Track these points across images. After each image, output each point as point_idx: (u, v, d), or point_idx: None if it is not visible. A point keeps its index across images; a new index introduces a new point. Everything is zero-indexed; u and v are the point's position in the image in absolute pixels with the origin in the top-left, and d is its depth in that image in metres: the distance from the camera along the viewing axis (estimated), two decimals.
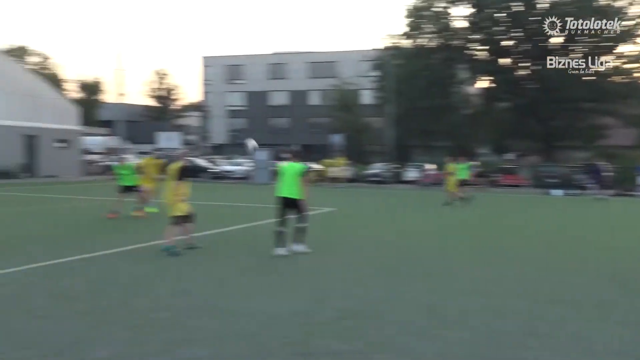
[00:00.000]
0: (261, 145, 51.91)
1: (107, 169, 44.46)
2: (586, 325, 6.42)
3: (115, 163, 17.85)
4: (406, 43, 49.23)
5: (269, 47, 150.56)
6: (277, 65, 74.48)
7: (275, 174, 11.91)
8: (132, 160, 18.80)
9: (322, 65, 71.89)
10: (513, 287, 8.17)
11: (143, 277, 8.55)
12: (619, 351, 5.60)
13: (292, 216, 10.70)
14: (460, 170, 24.10)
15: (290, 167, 10.69)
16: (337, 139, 44.60)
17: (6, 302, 6.94)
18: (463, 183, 24.21)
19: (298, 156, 11.04)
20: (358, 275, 8.88)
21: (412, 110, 46.39)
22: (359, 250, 11.27)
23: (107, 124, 66.45)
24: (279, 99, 74.68)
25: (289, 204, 10.55)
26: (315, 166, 36.88)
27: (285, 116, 74.05)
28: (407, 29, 48.57)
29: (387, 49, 50.37)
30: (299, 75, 72.83)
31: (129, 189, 16.90)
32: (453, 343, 5.72)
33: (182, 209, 10.68)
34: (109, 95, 78.40)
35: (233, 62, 76.27)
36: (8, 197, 24.05)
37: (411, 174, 40.25)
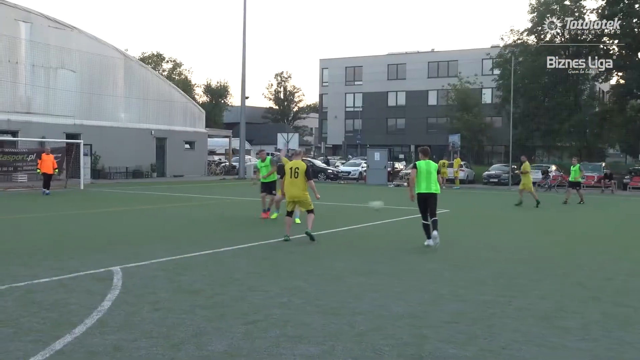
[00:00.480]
0: (377, 145, 51.91)
1: (231, 169, 46.42)
2: None
3: (258, 159, 17.40)
4: (530, 39, 47.43)
5: (387, 48, 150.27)
6: (395, 66, 74.25)
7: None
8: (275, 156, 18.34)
9: (441, 65, 70.85)
10: (626, 295, 7.65)
11: (259, 273, 8.82)
12: None
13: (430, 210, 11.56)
14: (572, 171, 24.30)
15: (426, 164, 11.60)
16: (454, 139, 43.74)
17: (132, 293, 7.40)
18: (575, 185, 24.35)
19: (429, 154, 11.92)
20: (472, 278, 8.68)
21: (534, 109, 44.60)
22: (474, 254, 10.99)
23: (230, 126, 69.28)
24: (397, 99, 74.39)
25: (428, 199, 11.52)
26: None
27: (403, 117, 73.65)
28: (530, 25, 46.83)
29: (509, 46, 48.79)
30: (417, 75, 72.18)
31: (269, 186, 16.32)
32: (572, 353, 5.44)
33: (310, 203, 12.27)
34: (233, 99, 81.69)
35: (351, 63, 76.94)
36: (141, 195, 25.70)
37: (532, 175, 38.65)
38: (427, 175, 11.50)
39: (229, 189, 29.83)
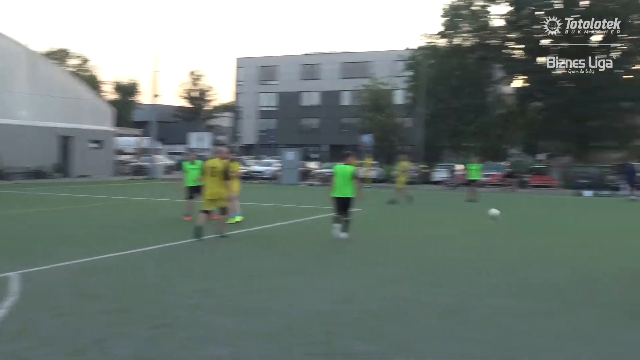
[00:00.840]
0: (291, 145, 52.04)
1: (139, 169, 45.13)
2: (617, 327, 6.26)
3: (184, 159, 16.39)
4: (441, 42, 48.93)
5: (302, 48, 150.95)
6: (309, 66, 74.68)
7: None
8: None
9: (354, 66, 71.87)
10: (534, 288, 8.01)
11: (169, 275, 8.60)
12: None
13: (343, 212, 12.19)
14: (472, 171, 25.00)
15: (342, 169, 12.25)
16: (366, 139, 44.47)
17: (30, 300, 7.02)
18: (473, 183, 24.97)
19: (349, 158, 12.51)
20: (384, 276, 8.83)
21: (443, 110, 46.06)
22: (385, 252, 11.19)
23: (140, 124, 67.47)
24: (311, 99, 74.87)
25: (341, 202, 12.15)
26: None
27: (316, 117, 74.19)
28: (442, 28, 48.30)
29: (421, 48, 50.11)
30: (331, 76, 72.89)
31: (196, 190, 15.07)
32: (477, 344, 5.63)
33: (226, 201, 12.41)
34: (143, 96, 79.55)
35: (266, 62, 76.75)
36: (41, 196, 24.52)
37: (440, 174, 39.97)
38: (342, 179, 12.15)
39: (139, 190, 29.00)
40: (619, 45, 43.39)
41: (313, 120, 74.82)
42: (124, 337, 5.63)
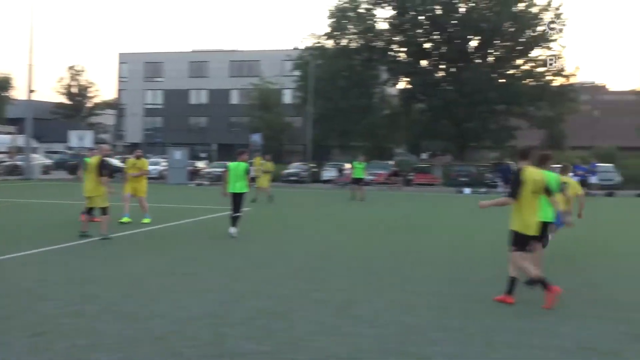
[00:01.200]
0: (179, 144, 50.96)
1: (14, 169, 42.40)
2: (490, 318, 6.65)
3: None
4: (328, 43, 49.67)
5: (189, 45, 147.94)
6: (197, 63, 73.36)
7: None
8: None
9: (243, 64, 71.44)
10: (421, 284, 8.35)
11: (50, 280, 8.16)
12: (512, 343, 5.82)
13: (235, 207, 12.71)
14: (357, 169, 25.47)
15: (236, 166, 12.83)
16: (256, 138, 44.40)
17: None
18: (359, 182, 25.39)
19: (243, 155, 13.07)
20: (272, 274, 8.86)
21: (331, 110, 46.84)
22: (273, 250, 11.23)
23: (15, 121, 63.41)
24: (199, 97, 73.62)
25: (235, 196, 12.73)
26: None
27: (205, 115, 73.07)
28: (329, 30, 49.03)
29: (309, 49, 50.62)
30: (220, 74, 72.01)
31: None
32: (364, 339, 5.78)
33: (106, 201, 12.00)
34: (18, 92, 74.76)
35: (151, 59, 74.55)
36: None
37: (328, 173, 40.67)
38: (235, 176, 12.75)
39: (14, 191, 27.25)
40: (494, 50, 46.10)
41: (201, 118, 73.61)
42: (1, 347, 5.29)
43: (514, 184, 7.32)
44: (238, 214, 12.77)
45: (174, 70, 73.16)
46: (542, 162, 8.23)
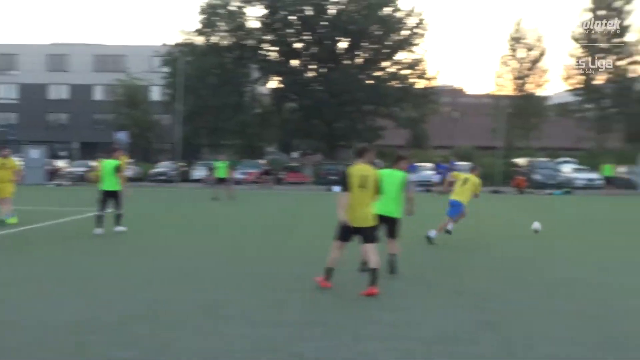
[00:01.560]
0: (36, 142, 47.92)
1: None
2: (346, 310, 6.80)
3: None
4: (199, 40, 48.81)
5: (48, 37, 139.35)
6: (57, 57, 69.20)
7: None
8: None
9: (108, 59, 68.30)
10: (292, 282, 8.41)
11: None
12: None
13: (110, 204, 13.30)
14: (219, 169, 25.18)
15: (108, 164, 13.32)
16: (121, 136, 42.69)
17: None
18: (222, 181, 25.13)
19: (116, 153, 13.76)
20: (138, 278, 8.57)
21: (202, 108, 46.09)
22: (137, 253, 10.84)
23: None
24: (59, 92, 69.52)
25: (109, 195, 13.27)
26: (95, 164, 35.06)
27: (65, 111, 69.13)
28: (200, 26, 48.20)
29: (178, 45, 49.48)
30: (82, 69, 68.39)
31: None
32: (235, 338, 5.70)
33: None
34: None
35: (4, 50, 69.31)
36: None
37: (198, 172, 39.97)
38: (108, 173, 13.28)
39: None
40: (362, 52, 47.53)
41: (61, 115, 69.54)
42: None
43: (342, 179, 7.87)
44: (119, 212, 13.38)
45: (30, 63, 68.54)
46: (396, 163, 9.41)
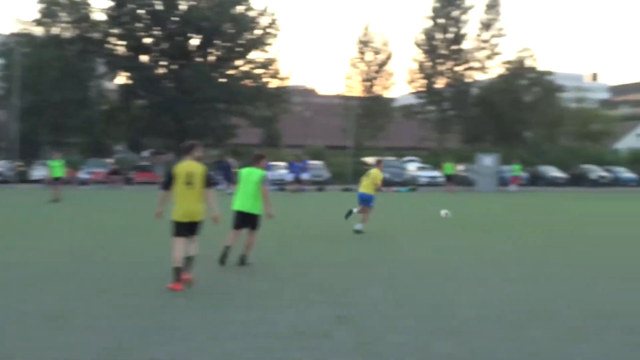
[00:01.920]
0: None
1: None
2: (206, 310, 6.72)
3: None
4: (38, 30, 45.60)
5: None
6: None
7: None
8: None
9: None
10: (140, 287, 8.13)
11: None
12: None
13: None
14: (54, 168, 23.85)
15: None
16: None
17: None
18: (56, 181, 23.87)
19: None
20: None
21: (42, 103, 43.11)
22: None
23: None
24: None
25: None
26: None
27: None
28: (39, 16, 45.05)
29: (15, 35, 45.89)
30: None
31: None
32: (81, 346, 5.40)
33: None
34: None
35: None
36: None
37: (38, 172, 37.20)
38: None
39: None
40: (215, 50, 46.99)
41: None
42: None
43: (165, 176, 8.19)
44: None
45: None
46: (256, 161, 9.93)
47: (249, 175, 9.67)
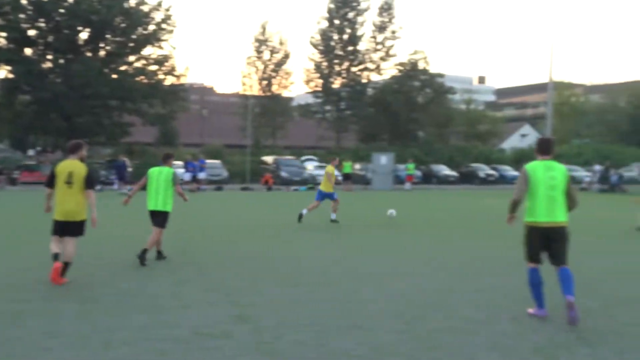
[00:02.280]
0: None
1: None
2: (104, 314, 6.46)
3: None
4: None
5: None
6: None
7: None
8: None
9: None
10: (25, 288, 7.69)
11: None
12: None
13: None
14: None
15: None
16: None
17: None
18: None
19: None
20: None
21: None
22: None
23: None
24: None
25: None
26: None
27: None
28: None
29: None
30: None
31: None
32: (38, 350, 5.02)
33: None
34: None
35: None
36: None
37: None
38: None
39: None
40: (105, 45, 45.20)
41: None
42: None
43: (48, 176, 8.21)
44: None
45: None
46: (164, 160, 10.37)
47: (159, 174, 9.97)
